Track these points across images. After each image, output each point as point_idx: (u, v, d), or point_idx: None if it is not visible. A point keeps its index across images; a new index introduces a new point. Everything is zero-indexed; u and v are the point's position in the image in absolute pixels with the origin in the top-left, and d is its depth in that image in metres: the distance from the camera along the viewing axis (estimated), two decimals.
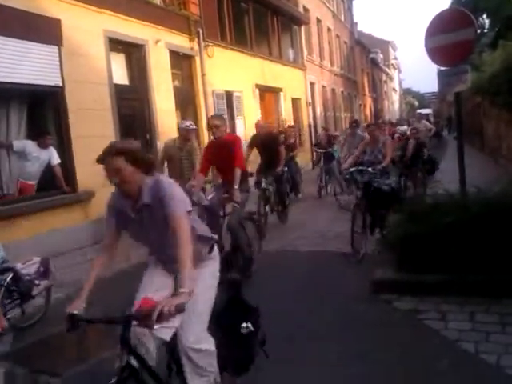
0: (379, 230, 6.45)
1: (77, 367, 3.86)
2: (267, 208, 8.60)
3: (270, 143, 8.61)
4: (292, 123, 16.94)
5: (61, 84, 8.10)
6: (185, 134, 7.19)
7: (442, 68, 6.26)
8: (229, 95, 13.95)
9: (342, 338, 3.90)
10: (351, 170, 6.54)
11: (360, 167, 6.50)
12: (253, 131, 15.18)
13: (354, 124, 11.95)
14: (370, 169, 6.37)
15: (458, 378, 3.19)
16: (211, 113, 12.77)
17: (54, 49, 8.04)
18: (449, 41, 5.58)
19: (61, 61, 8.12)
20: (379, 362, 3.47)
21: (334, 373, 3.39)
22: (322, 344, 3.84)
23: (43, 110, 8.28)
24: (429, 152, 11.14)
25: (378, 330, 4.01)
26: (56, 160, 7.69)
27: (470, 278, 4.34)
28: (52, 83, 8.00)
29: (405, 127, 14.91)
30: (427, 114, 36.58)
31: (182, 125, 7.39)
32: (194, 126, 7.74)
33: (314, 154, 16.17)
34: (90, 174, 8.10)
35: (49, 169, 7.71)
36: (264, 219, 8.25)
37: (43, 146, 7.56)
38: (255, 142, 8.77)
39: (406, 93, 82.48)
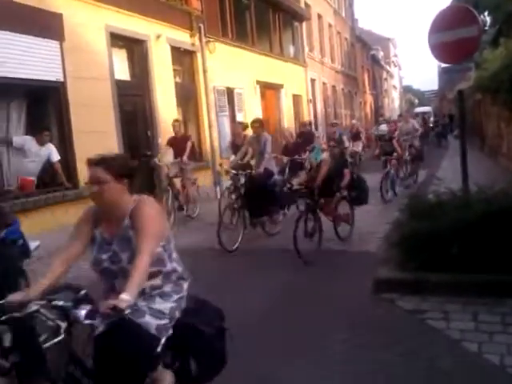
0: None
1: None
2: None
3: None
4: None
5: (62, 79, 8.08)
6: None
7: (444, 65, 6.25)
8: (230, 92, 13.92)
9: (345, 337, 3.89)
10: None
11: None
12: None
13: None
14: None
15: (462, 378, 3.18)
16: (212, 109, 12.76)
17: (56, 44, 8.02)
18: (453, 38, 5.56)
19: (62, 56, 8.09)
20: (382, 362, 3.46)
21: (337, 372, 3.39)
22: (324, 343, 3.83)
23: (44, 105, 8.25)
24: (354, 173, 7.71)
25: (381, 330, 4.00)
26: (56, 156, 7.66)
27: (474, 277, 4.33)
28: (53, 78, 7.98)
29: (384, 126, 13.98)
30: (425, 113, 36.58)
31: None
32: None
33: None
34: None
35: (49, 165, 7.70)
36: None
37: (41, 142, 7.54)
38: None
39: (406, 90, 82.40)
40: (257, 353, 3.68)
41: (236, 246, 6.92)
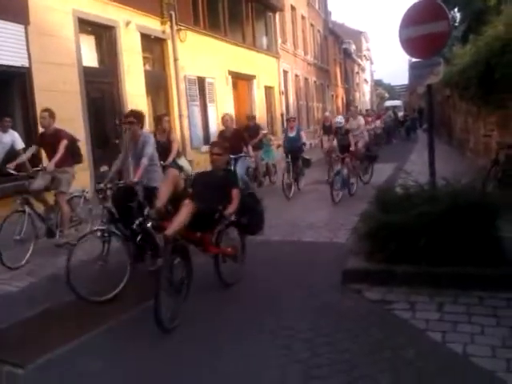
0: None
1: (42, 357, 3.75)
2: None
3: None
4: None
5: (27, 65, 7.86)
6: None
7: (414, 60, 6.29)
8: (201, 81, 13.78)
9: (311, 327, 3.91)
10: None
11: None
12: None
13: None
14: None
15: (425, 367, 3.23)
16: (183, 99, 12.62)
17: (20, 28, 7.78)
18: (423, 32, 5.61)
19: (27, 40, 7.87)
20: (346, 351, 3.49)
21: (300, 360, 3.40)
22: (290, 332, 3.84)
23: (8, 91, 8.00)
24: (250, 190, 7.00)
25: (347, 320, 4.03)
26: (20, 144, 7.45)
27: (440, 269, 4.39)
28: (18, 64, 7.74)
29: (340, 118, 10.82)
30: (396, 107, 37.06)
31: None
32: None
33: None
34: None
35: (13, 153, 7.47)
36: None
37: (3, 129, 7.30)
38: None
39: (377, 84, 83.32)
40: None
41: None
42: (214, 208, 4.42)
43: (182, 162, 7.86)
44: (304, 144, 11.10)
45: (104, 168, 6.40)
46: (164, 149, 6.94)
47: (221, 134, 9.20)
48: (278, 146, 12.47)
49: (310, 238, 6.83)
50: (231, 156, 8.12)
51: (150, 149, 5.54)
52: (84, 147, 8.95)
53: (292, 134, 10.89)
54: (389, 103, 47.87)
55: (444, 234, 4.38)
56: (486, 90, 8.62)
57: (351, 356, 3.43)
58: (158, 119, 7.93)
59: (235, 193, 4.75)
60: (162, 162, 6.25)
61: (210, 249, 4.73)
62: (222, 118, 9.28)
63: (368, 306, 4.27)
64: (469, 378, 3.11)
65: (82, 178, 8.72)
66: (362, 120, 12.14)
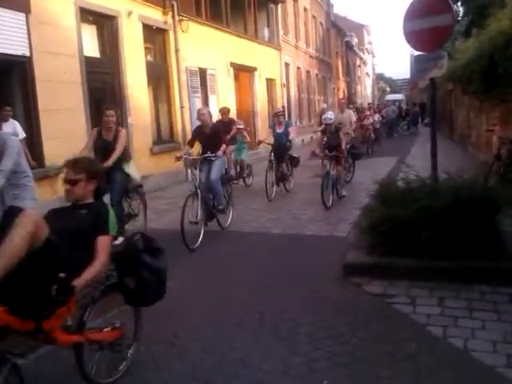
0: None
1: (44, 348, 3.75)
2: None
3: None
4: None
5: (28, 54, 7.79)
6: None
7: (417, 53, 6.26)
8: (202, 72, 13.71)
9: (311, 320, 3.91)
10: None
11: None
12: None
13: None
14: None
15: (425, 362, 3.22)
16: (184, 90, 12.56)
17: (22, 16, 7.71)
18: (427, 25, 5.57)
19: (28, 29, 7.80)
20: (347, 344, 3.49)
21: (301, 353, 3.41)
22: (291, 325, 3.84)
23: (9, 80, 7.96)
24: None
25: (348, 313, 4.03)
26: (21, 134, 7.41)
27: (441, 263, 4.39)
28: (19, 52, 7.69)
29: (331, 114, 9.13)
30: (398, 100, 36.99)
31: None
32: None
33: None
34: (58, 148, 7.88)
35: None
36: None
37: (4, 118, 7.27)
38: None
39: (379, 78, 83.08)
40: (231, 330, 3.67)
41: None
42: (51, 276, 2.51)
43: (130, 168, 6.51)
44: (290, 141, 9.89)
45: None
46: (109, 150, 6.00)
47: (198, 130, 7.20)
48: (259, 143, 11.06)
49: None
50: (210, 155, 6.72)
51: (10, 161, 4.10)
52: (85, 138, 8.93)
53: (280, 130, 9.84)
54: (390, 97, 47.75)
55: (445, 228, 4.38)
56: (489, 85, 8.60)
57: (352, 349, 3.43)
58: (102, 112, 6.51)
59: (102, 243, 2.94)
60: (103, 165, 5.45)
61: (60, 338, 2.78)
62: (198, 112, 7.27)
63: (369, 300, 4.27)
64: (469, 373, 3.11)
65: None
66: (352, 114, 11.05)
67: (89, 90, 9.13)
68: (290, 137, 9.83)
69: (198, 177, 6.61)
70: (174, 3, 12.02)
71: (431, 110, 6.52)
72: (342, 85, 39.32)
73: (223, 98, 14.79)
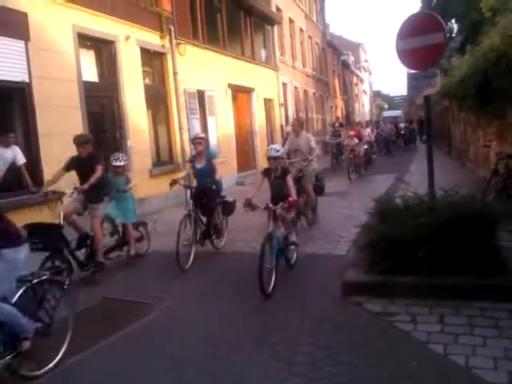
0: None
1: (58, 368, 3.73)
2: None
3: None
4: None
5: (28, 80, 7.89)
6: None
7: (412, 71, 6.34)
8: (201, 94, 13.84)
9: (312, 340, 3.90)
10: None
11: None
12: (225, 131, 15.18)
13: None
14: None
15: (427, 380, 3.21)
16: (183, 112, 12.67)
17: (21, 43, 7.83)
18: (419, 44, 5.66)
19: (28, 56, 7.91)
20: (348, 364, 3.47)
21: (302, 373, 3.39)
22: (291, 345, 3.83)
23: (8, 106, 8.03)
24: None
25: (348, 332, 4.01)
26: (21, 159, 7.47)
27: (440, 280, 4.38)
28: (18, 79, 7.78)
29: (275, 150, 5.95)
30: (396, 117, 37.16)
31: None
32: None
33: None
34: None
35: (14, 168, 7.48)
36: None
37: (6, 144, 7.33)
38: None
39: (376, 95, 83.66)
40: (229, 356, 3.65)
41: None
42: None
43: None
44: (213, 181, 6.88)
45: None
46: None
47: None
48: (173, 183, 7.01)
49: None
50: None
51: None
52: None
53: (200, 165, 7.05)
54: (388, 113, 47.93)
55: (444, 244, 4.38)
56: (484, 100, 8.65)
57: (352, 369, 3.41)
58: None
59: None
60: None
61: None
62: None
63: (369, 318, 4.26)
64: None
65: None
66: (310, 138, 8.27)
67: (88, 113, 9.21)
68: (217, 175, 6.97)
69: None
70: (171, 27, 12.19)
71: (427, 127, 6.57)
72: (340, 103, 39.62)
73: (222, 119, 14.91)
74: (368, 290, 4.65)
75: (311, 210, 8.35)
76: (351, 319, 4.27)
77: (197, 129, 13.48)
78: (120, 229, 7.02)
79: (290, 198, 5.32)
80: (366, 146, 16.67)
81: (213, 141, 14.29)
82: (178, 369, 3.64)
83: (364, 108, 60.95)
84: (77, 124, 8.87)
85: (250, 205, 5.37)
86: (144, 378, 3.54)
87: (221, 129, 14.85)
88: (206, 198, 6.89)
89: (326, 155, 19.25)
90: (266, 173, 5.83)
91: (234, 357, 3.72)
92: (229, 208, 7.29)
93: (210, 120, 14.31)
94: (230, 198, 7.35)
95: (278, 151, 5.72)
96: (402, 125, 29.65)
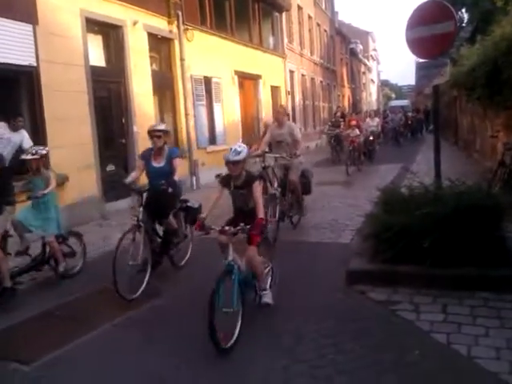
0: None
1: (48, 354, 3.79)
2: None
3: None
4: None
5: (35, 64, 7.89)
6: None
7: (421, 60, 6.28)
8: (207, 81, 13.79)
9: (316, 328, 3.92)
10: None
11: None
12: (231, 118, 15.16)
13: None
14: None
15: (429, 369, 3.23)
16: (189, 98, 12.65)
17: (29, 27, 7.82)
18: (429, 33, 5.60)
19: (36, 40, 7.90)
20: (351, 352, 3.50)
21: (304, 361, 3.42)
22: (295, 334, 3.85)
23: (16, 90, 8.05)
24: None
25: (351, 321, 4.03)
26: (28, 143, 7.50)
27: (444, 270, 4.39)
28: (26, 63, 7.78)
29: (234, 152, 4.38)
30: (403, 107, 36.92)
31: None
32: None
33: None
34: (64, 157, 7.96)
35: (21, 152, 7.51)
36: None
37: (15, 128, 7.36)
38: None
39: (384, 84, 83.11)
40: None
41: None
42: None
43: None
44: (170, 183, 5.43)
45: (110, 167, 6.39)
46: None
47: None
48: (130, 190, 5.74)
49: None
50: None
51: None
52: (91, 146, 9.01)
53: (158, 165, 5.66)
54: (395, 103, 47.59)
55: (449, 235, 4.38)
56: (493, 91, 8.58)
57: (356, 357, 3.43)
58: None
59: None
60: None
61: None
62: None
63: (372, 307, 4.28)
64: (473, 379, 3.11)
65: (88, 178, 8.78)
66: (295, 128, 7.46)
67: (95, 98, 9.21)
68: (175, 176, 5.66)
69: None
70: (179, 12, 12.12)
71: (434, 117, 6.53)
72: (347, 92, 39.38)
73: (228, 106, 14.88)
74: (372, 279, 4.67)
75: (297, 207, 7.38)
76: (355, 307, 4.29)
77: (203, 115, 13.49)
78: (39, 244, 5.63)
79: (258, 218, 3.93)
80: (365, 137, 15.75)
81: (219, 128, 14.28)
82: None
83: (371, 97, 60.58)
84: (83, 108, 8.89)
85: (202, 227, 4.00)
86: None
87: (227, 116, 14.82)
88: (166, 202, 5.55)
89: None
90: (225, 181, 4.30)
91: (238, 345, 3.74)
92: (193, 215, 5.79)
93: (217, 107, 14.28)
94: (194, 204, 6.03)
95: (239, 153, 4.09)
96: (409, 114, 29.41)
